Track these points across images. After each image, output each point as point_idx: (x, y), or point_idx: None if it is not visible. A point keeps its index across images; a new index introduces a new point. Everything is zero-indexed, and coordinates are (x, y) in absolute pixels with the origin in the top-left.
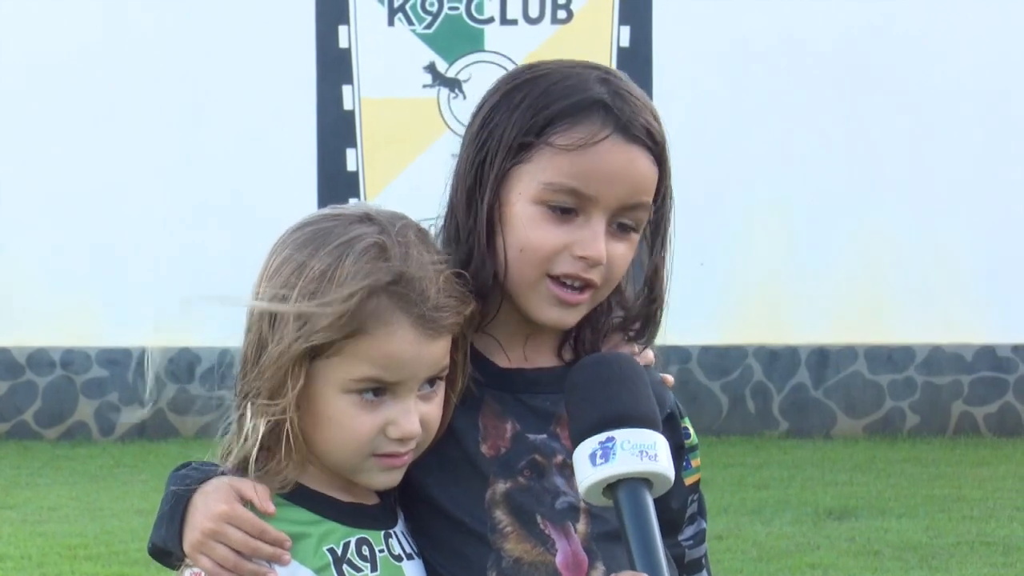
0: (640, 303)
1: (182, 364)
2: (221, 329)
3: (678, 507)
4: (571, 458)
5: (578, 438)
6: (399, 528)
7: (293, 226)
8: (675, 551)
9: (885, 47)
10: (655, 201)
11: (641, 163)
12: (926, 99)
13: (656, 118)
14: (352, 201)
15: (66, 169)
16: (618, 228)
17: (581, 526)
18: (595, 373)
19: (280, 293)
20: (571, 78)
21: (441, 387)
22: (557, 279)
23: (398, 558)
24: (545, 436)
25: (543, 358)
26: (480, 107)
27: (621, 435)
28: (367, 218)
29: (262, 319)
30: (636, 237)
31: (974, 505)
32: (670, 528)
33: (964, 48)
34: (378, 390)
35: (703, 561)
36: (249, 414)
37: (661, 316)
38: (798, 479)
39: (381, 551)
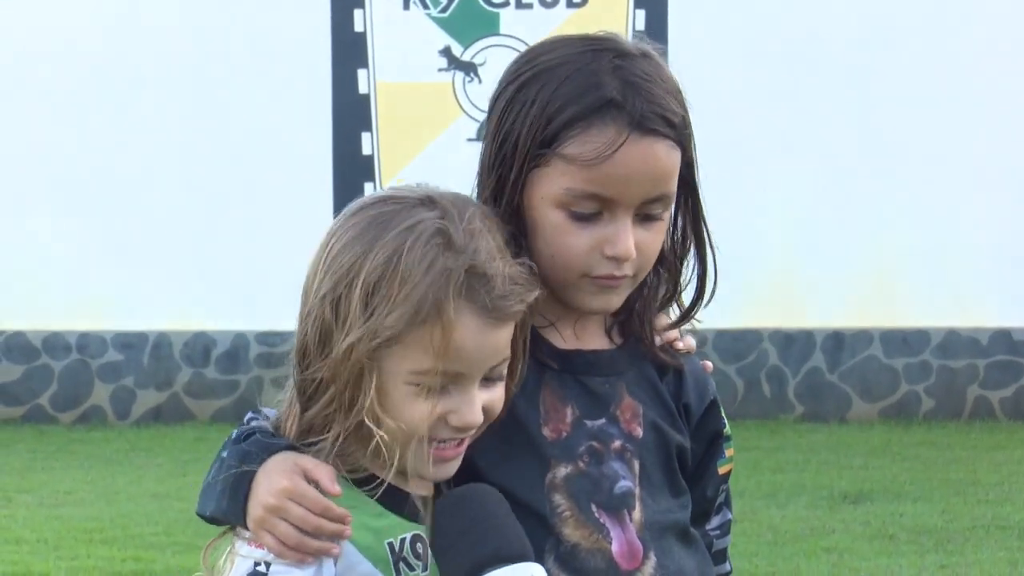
0: (693, 280)
1: (198, 348)
2: (236, 313)
3: (712, 495)
4: (629, 443)
5: None
6: None
7: (351, 209)
8: (703, 540)
9: (901, 31)
10: (683, 177)
11: (660, 154)
12: (940, 82)
13: (674, 95)
14: (398, 183)
15: (81, 152)
16: (644, 218)
17: (636, 514)
18: (455, 519)
19: (345, 279)
20: (582, 71)
21: (504, 375)
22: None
23: None
24: (604, 421)
25: (594, 340)
26: (495, 100)
27: None
28: (429, 201)
29: (323, 304)
30: (666, 217)
31: (989, 489)
32: (702, 517)
33: (978, 31)
34: (441, 384)
35: (727, 552)
36: (318, 408)
37: (711, 289)
38: (813, 463)
39: None
